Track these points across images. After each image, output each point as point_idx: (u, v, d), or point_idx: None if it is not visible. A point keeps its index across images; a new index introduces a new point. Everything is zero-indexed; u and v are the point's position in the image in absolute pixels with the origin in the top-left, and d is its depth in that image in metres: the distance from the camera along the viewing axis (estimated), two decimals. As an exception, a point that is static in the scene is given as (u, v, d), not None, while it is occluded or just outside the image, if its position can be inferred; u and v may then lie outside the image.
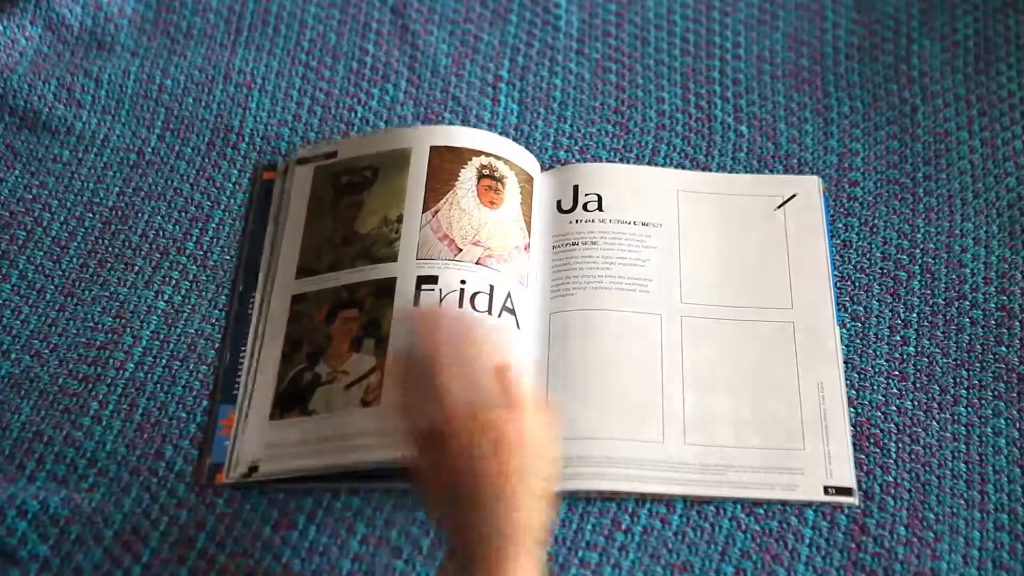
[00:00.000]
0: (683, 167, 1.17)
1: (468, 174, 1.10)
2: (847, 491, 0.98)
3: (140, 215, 1.13)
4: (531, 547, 0.83)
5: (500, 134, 1.18)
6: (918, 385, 1.05)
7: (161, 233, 1.12)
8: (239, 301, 1.08)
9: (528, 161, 1.13)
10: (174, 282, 1.09)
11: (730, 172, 1.17)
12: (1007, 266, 1.11)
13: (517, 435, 0.84)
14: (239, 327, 1.06)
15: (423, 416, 0.86)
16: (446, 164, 1.10)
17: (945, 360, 1.06)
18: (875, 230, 1.14)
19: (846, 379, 1.04)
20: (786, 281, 1.09)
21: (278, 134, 1.19)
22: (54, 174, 1.16)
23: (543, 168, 1.16)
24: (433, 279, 1.03)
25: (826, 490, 0.98)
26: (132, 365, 1.04)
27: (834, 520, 0.98)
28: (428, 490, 0.87)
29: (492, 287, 1.04)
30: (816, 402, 1.02)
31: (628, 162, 1.17)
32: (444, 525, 0.88)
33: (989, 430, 1.03)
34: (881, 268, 1.11)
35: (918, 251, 1.12)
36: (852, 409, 1.03)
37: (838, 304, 1.08)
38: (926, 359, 1.06)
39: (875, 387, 1.05)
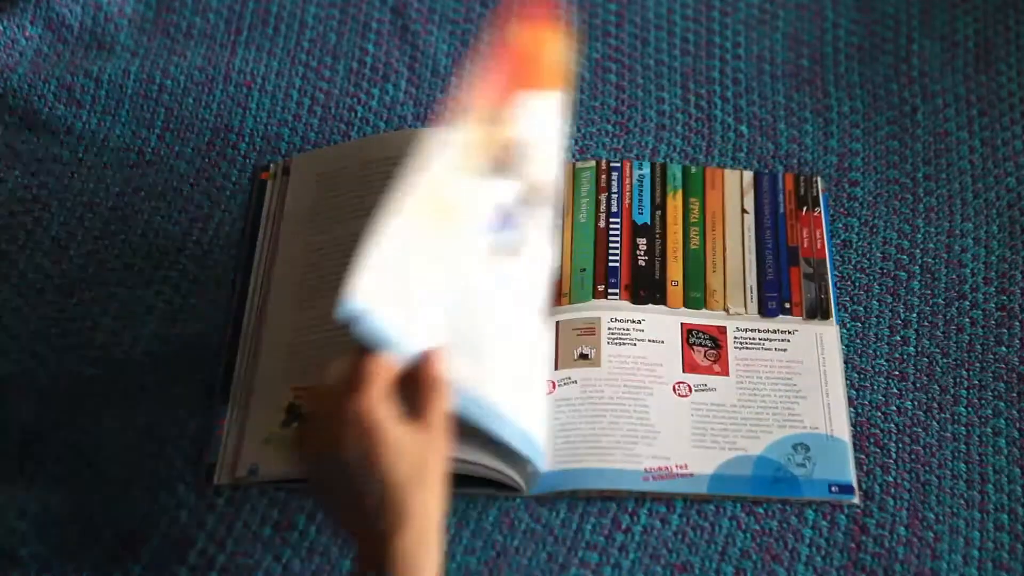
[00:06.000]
0: (684, 166, 1.17)
1: None
2: (848, 489, 0.99)
3: (140, 215, 1.13)
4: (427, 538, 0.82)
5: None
6: (918, 385, 1.05)
7: (161, 233, 1.12)
8: (239, 301, 1.08)
9: None
10: (174, 282, 1.09)
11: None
12: (1007, 266, 1.11)
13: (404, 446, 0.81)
14: (239, 327, 1.06)
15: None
16: None
17: (945, 360, 1.06)
18: (875, 230, 1.14)
19: (846, 379, 1.04)
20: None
21: (278, 134, 1.19)
22: (54, 174, 1.16)
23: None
24: None
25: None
26: (132, 365, 1.04)
27: (834, 520, 0.98)
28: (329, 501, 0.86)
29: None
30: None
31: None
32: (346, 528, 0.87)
33: (989, 430, 1.03)
34: (881, 268, 1.11)
35: (918, 251, 1.12)
36: (852, 409, 1.03)
37: (838, 304, 1.08)
38: (926, 359, 1.06)
39: (875, 387, 1.05)
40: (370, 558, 0.82)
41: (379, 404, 0.80)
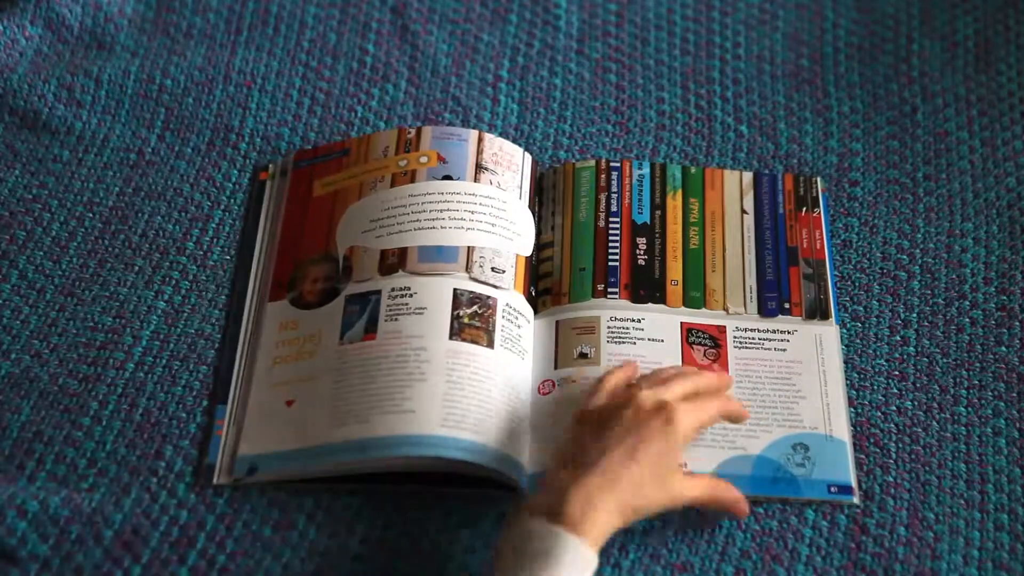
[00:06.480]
0: (683, 166, 1.17)
1: None
2: (848, 489, 0.98)
3: (140, 215, 1.13)
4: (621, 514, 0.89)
5: (500, 134, 1.18)
6: (918, 385, 1.05)
7: (161, 233, 1.12)
8: (238, 301, 1.08)
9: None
10: (174, 282, 1.09)
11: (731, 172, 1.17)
12: (1007, 266, 1.11)
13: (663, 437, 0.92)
14: (238, 327, 1.06)
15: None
16: None
17: (945, 360, 1.06)
18: (875, 230, 1.14)
19: (846, 379, 1.04)
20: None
21: (278, 134, 1.19)
22: (54, 174, 1.16)
23: (543, 168, 1.16)
24: None
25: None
26: (132, 365, 1.04)
27: (834, 520, 0.98)
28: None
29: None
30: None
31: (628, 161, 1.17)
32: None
33: (989, 430, 1.03)
34: (881, 268, 1.11)
35: (918, 251, 1.12)
36: (852, 409, 1.03)
37: (838, 304, 1.08)
38: (926, 359, 1.06)
39: (875, 387, 1.05)
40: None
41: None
